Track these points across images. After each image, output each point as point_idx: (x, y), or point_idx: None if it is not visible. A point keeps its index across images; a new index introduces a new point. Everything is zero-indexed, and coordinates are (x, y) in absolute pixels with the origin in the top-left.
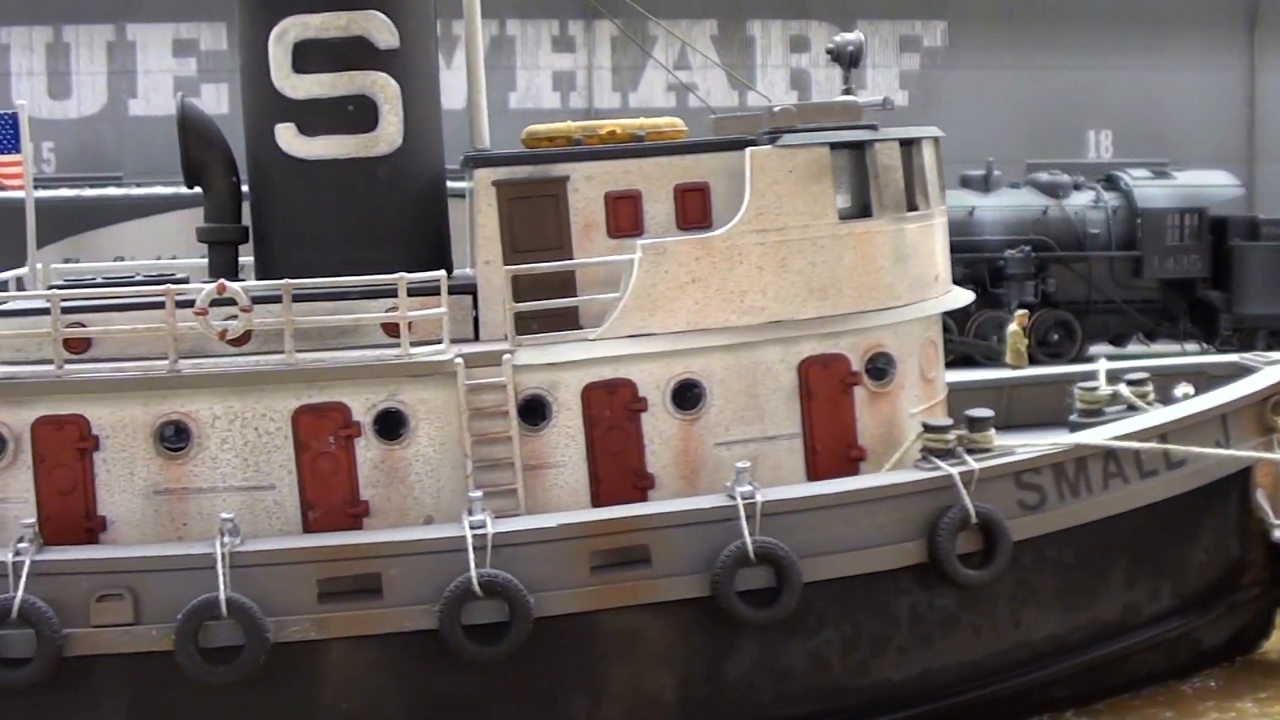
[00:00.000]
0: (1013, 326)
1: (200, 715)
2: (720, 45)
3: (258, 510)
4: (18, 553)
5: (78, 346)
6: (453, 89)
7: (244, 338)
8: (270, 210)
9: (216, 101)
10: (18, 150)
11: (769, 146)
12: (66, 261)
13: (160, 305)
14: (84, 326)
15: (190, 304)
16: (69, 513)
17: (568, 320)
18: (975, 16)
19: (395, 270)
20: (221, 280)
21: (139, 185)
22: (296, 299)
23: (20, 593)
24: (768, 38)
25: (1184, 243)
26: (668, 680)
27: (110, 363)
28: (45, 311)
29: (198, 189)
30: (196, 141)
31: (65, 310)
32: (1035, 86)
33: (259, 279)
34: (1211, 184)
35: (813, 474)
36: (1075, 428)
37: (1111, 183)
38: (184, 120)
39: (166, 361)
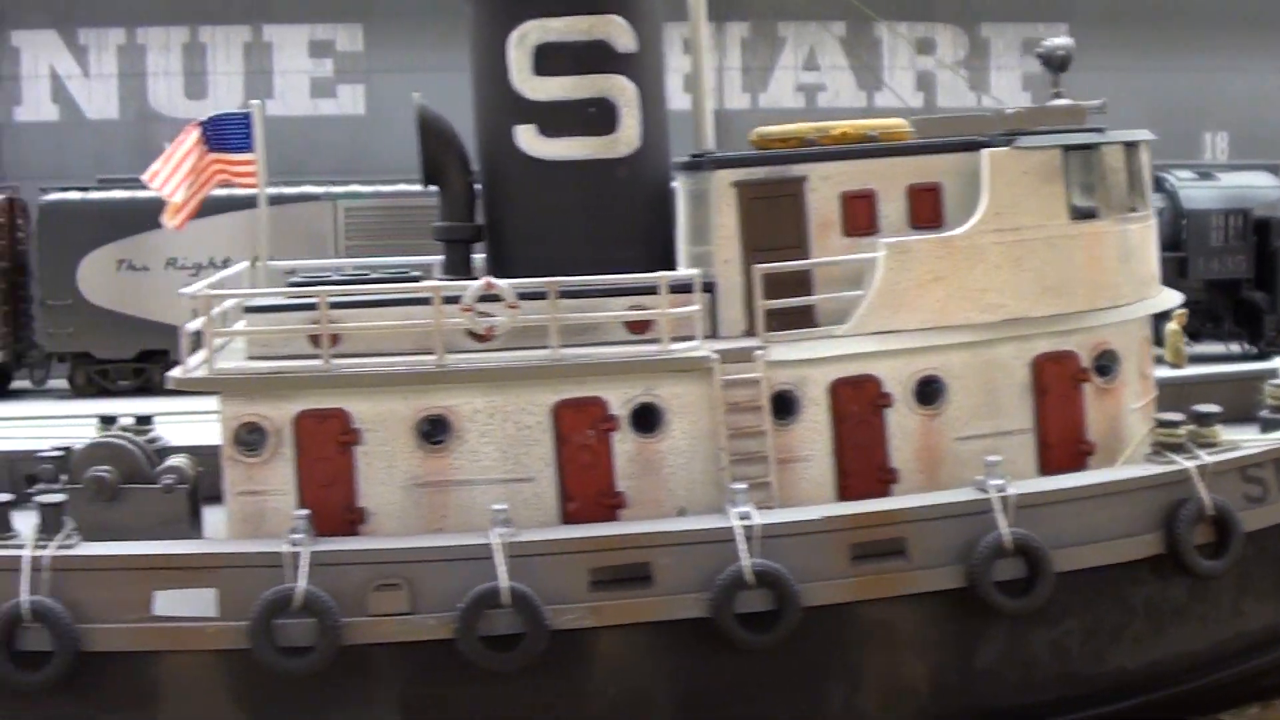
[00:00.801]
0: (1171, 325)
1: (471, 701)
2: (848, 47)
3: (516, 501)
4: (295, 543)
5: (330, 343)
6: None
7: (488, 334)
8: (508, 209)
9: (353, 103)
10: (251, 149)
11: (1006, 148)
12: (121, 263)
13: (418, 302)
14: (338, 323)
15: (452, 300)
16: (330, 504)
17: (806, 318)
18: (1096, 19)
19: (632, 269)
20: (488, 278)
21: None
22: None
23: (303, 583)
24: (894, 39)
25: (1229, 244)
26: (920, 669)
27: (356, 359)
28: (293, 308)
29: (438, 185)
30: (435, 142)
31: (299, 308)
32: (1154, 88)
33: (491, 275)
34: (1256, 185)
35: (1045, 468)
36: (1268, 425)
37: (1156, 184)
38: (424, 122)
39: (432, 357)
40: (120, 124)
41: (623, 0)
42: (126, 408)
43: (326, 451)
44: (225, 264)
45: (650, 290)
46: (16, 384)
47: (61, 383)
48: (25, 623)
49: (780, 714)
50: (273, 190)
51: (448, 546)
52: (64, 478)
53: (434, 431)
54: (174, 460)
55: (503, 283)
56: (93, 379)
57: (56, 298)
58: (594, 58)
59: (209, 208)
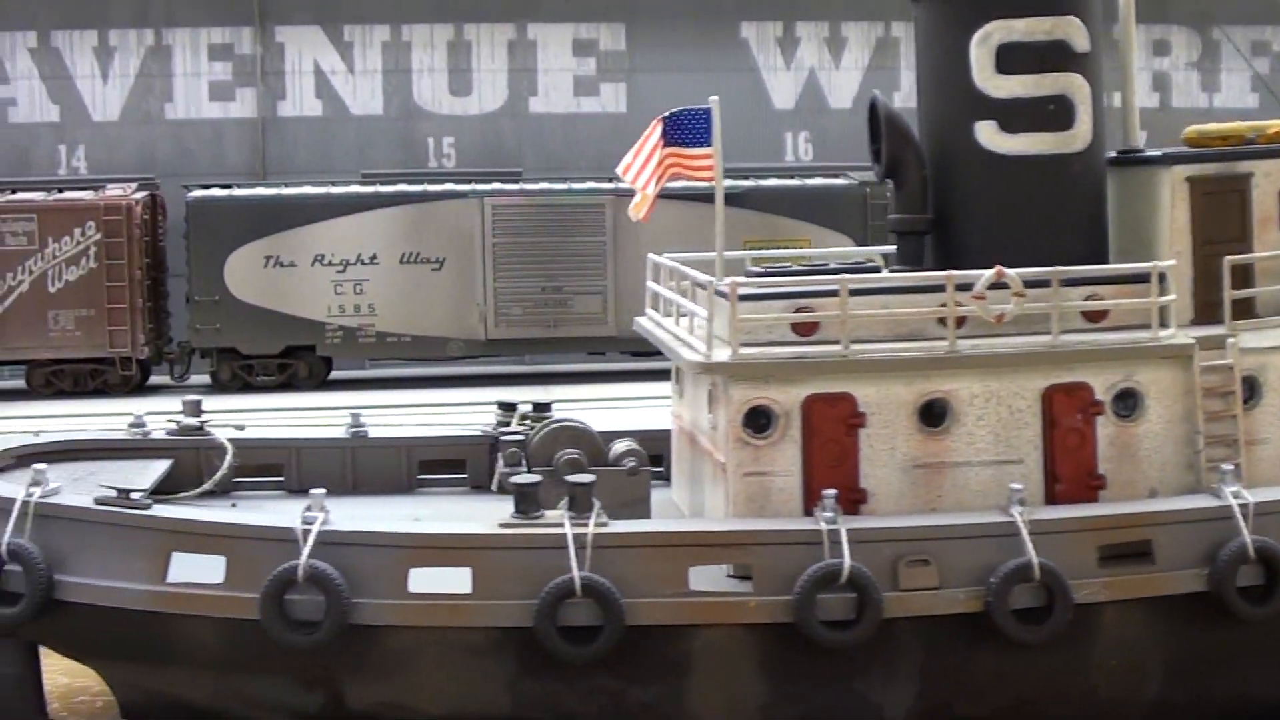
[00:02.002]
0: None
1: (986, 671)
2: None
3: (1005, 482)
4: (829, 521)
5: (808, 330)
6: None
7: (998, 321)
8: (964, 201)
9: (615, 101)
10: (709, 144)
11: None
12: (268, 259)
13: (907, 290)
14: (811, 311)
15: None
16: (834, 485)
17: (1247, 309)
18: None
19: (1080, 260)
20: (999, 267)
21: (335, 185)
22: (1030, 284)
23: (848, 559)
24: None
25: None
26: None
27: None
28: (777, 296)
29: (895, 179)
30: (895, 138)
31: (794, 295)
32: None
33: (937, 266)
34: None
35: None
36: None
37: None
38: (887, 117)
39: (943, 343)
40: (384, 120)
41: (1079, 1)
42: (526, 395)
43: (834, 434)
44: (372, 260)
45: (1109, 280)
46: (155, 379)
47: (203, 378)
48: (575, 597)
49: (1263, 685)
50: (419, 188)
51: (973, 524)
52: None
53: (934, 415)
54: (622, 444)
55: (1011, 272)
56: (237, 374)
57: (203, 293)
58: (1054, 57)
59: (357, 205)
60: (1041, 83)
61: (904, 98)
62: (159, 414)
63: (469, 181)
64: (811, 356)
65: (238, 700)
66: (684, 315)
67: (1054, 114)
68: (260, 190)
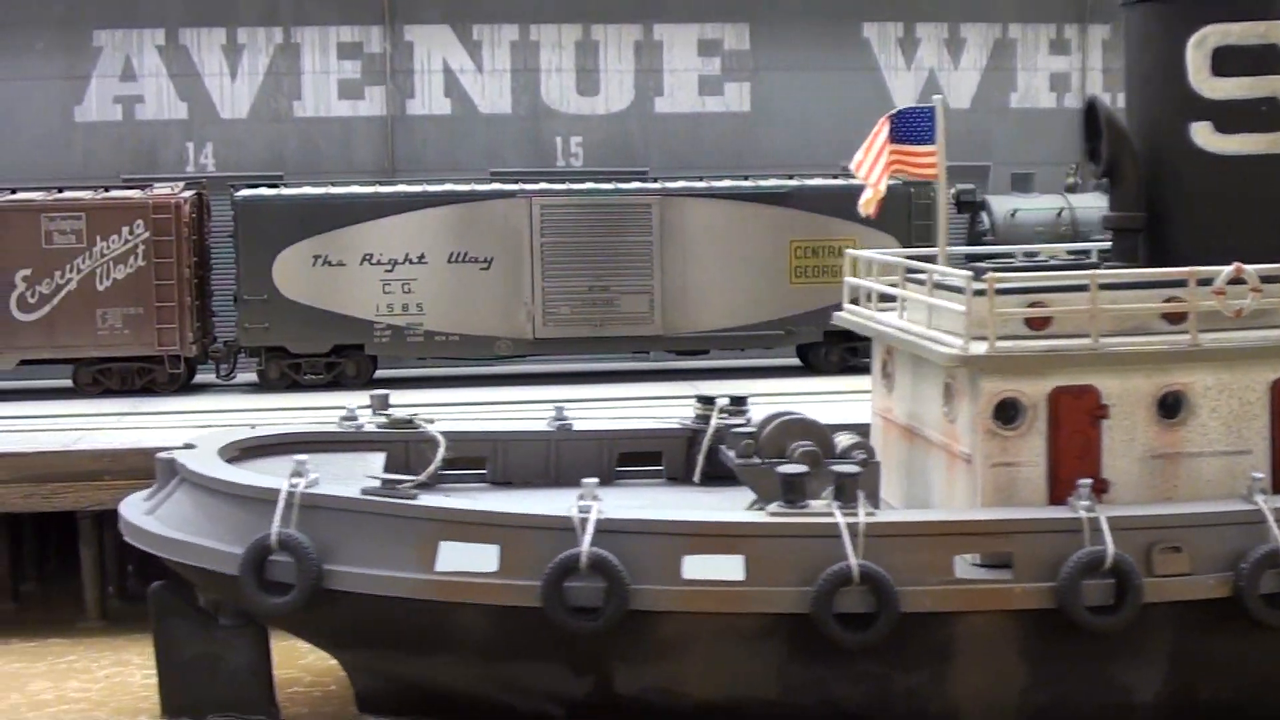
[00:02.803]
0: None
1: (1232, 654)
2: None
3: (1235, 473)
4: (1088, 509)
5: (1041, 325)
6: None
7: (1179, 316)
8: (1179, 200)
9: (739, 100)
10: (933, 142)
11: None
12: (316, 259)
13: (1147, 286)
14: (1044, 306)
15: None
16: (1079, 475)
17: None
18: None
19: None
20: (1238, 264)
21: (381, 184)
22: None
23: (1111, 546)
24: None
25: None
26: None
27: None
28: (1033, 290)
29: (1112, 178)
30: (1115, 138)
31: (1045, 290)
32: None
33: (1151, 263)
34: None
35: None
36: None
37: None
38: (1107, 118)
39: (1186, 336)
40: (512, 119)
41: None
42: (718, 389)
43: (1079, 425)
44: (420, 260)
45: None
46: (200, 378)
47: (249, 376)
48: (852, 585)
49: None
50: (466, 187)
51: (1221, 512)
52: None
53: (1171, 407)
54: (845, 437)
55: (1250, 268)
56: (284, 373)
57: (252, 293)
58: (1267, 60)
59: (405, 204)
60: (1255, 85)
61: (1019, 99)
62: (210, 412)
63: (595, 180)
64: (1063, 350)
65: (503, 687)
66: (887, 307)
67: (1266, 115)
68: (309, 189)
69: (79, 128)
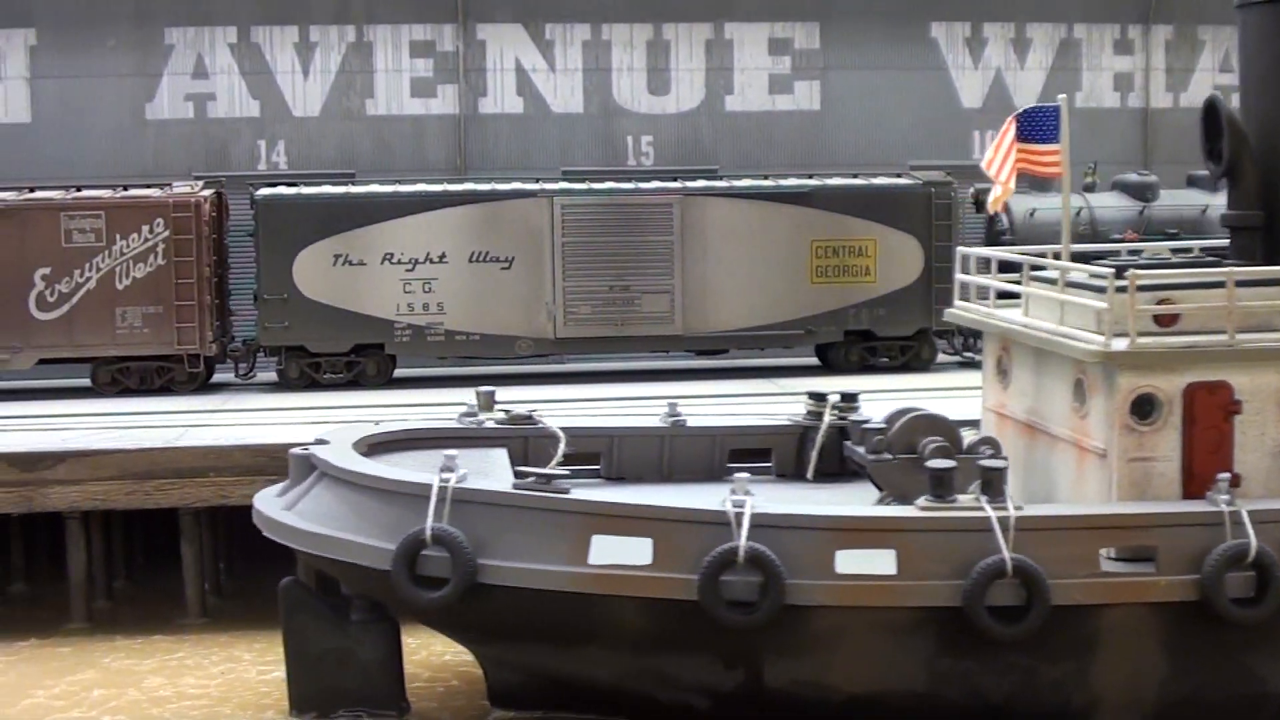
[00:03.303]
0: None
1: None
2: None
3: None
4: (1229, 503)
5: (1168, 321)
6: None
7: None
8: None
9: (809, 99)
10: (1057, 140)
11: None
12: (337, 258)
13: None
14: (1172, 302)
15: None
16: (1210, 471)
17: None
18: None
19: None
20: None
21: (400, 183)
22: None
23: (1254, 540)
24: None
25: None
26: None
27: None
28: (1174, 287)
29: (1232, 178)
30: (1235, 138)
31: (1161, 287)
32: None
33: (1268, 261)
34: None
35: None
36: None
37: None
38: (1229, 118)
39: None
40: (584, 118)
41: None
42: (833, 385)
43: (1213, 420)
44: (441, 259)
45: None
46: (218, 377)
47: (268, 375)
48: (1005, 578)
49: None
50: (487, 187)
51: None
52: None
53: None
54: (969, 432)
55: None
56: (304, 372)
57: (272, 292)
58: None
59: (426, 204)
60: None
61: (1084, 98)
62: (229, 411)
63: (668, 179)
64: (1202, 346)
65: (650, 679)
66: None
67: None
68: (329, 189)
69: (150, 125)
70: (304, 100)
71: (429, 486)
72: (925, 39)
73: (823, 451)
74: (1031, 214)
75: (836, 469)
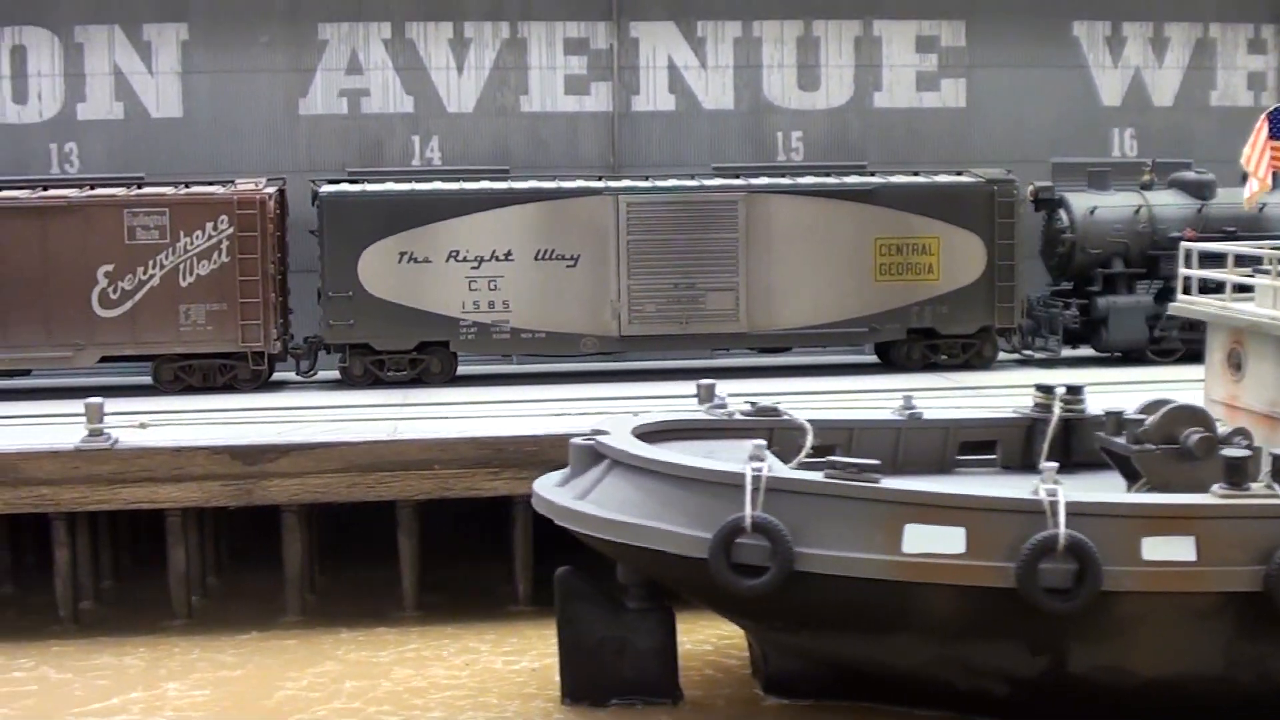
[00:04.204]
0: None
1: None
2: None
3: None
4: None
5: None
6: None
7: None
8: None
9: (955, 96)
10: None
11: None
12: (402, 256)
13: None
14: None
15: None
16: None
17: None
18: None
19: None
20: None
21: (463, 181)
22: None
23: None
24: None
25: None
26: None
27: None
28: None
29: None
30: None
31: None
32: None
33: None
34: None
35: None
36: None
37: None
38: None
39: None
40: (734, 114)
41: None
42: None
43: None
44: (507, 257)
45: None
46: (279, 375)
47: (330, 373)
48: None
49: None
50: (553, 185)
51: None
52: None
53: None
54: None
55: None
56: (368, 370)
57: (337, 289)
58: None
59: (492, 201)
60: None
61: (1218, 97)
62: (295, 409)
63: (820, 174)
64: None
65: (953, 667)
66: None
67: None
68: (394, 186)
69: (303, 120)
70: (458, 96)
71: (742, 475)
72: (1067, 38)
73: (1051, 443)
74: (1092, 211)
75: (1062, 460)
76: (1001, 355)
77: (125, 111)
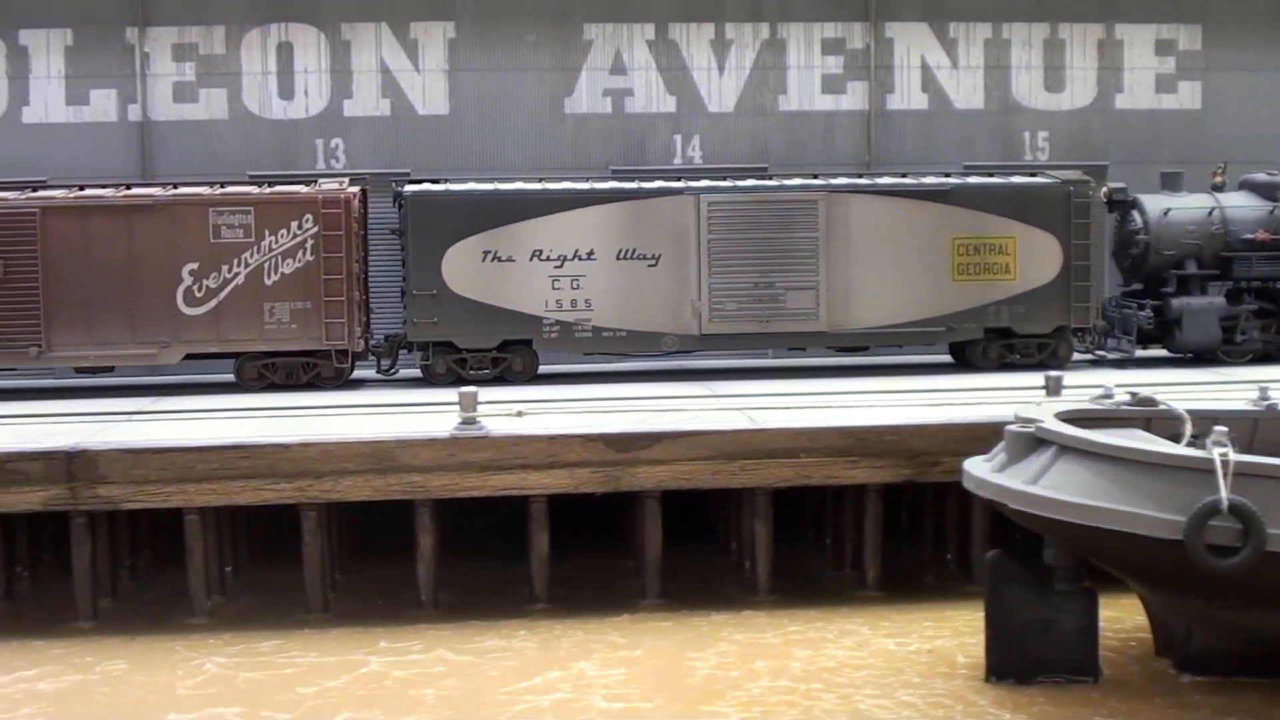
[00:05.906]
0: None
1: None
2: None
3: None
4: None
5: None
6: None
7: None
8: None
9: (1191, 98)
10: None
11: None
12: (486, 254)
13: None
14: None
15: None
16: None
17: None
18: None
19: None
20: None
21: (549, 181)
22: None
23: None
24: None
25: None
26: None
27: None
28: None
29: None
30: None
31: None
32: None
33: None
34: None
35: None
36: None
37: None
38: None
39: None
40: (984, 114)
41: None
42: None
43: None
44: (589, 256)
45: None
46: (359, 373)
47: (411, 371)
48: None
49: None
50: (634, 185)
51: None
52: None
53: None
54: None
55: None
56: (450, 368)
57: (421, 288)
58: None
59: (574, 201)
60: None
61: None
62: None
63: (1057, 174)
64: None
65: None
66: None
67: None
68: (478, 185)
69: (568, 119)
70: (719, 96)
71: (1210, 460)
72: None
73: None
74: (1166, 213)
75: None
76: (1075, 355)
77: (391, 108)
